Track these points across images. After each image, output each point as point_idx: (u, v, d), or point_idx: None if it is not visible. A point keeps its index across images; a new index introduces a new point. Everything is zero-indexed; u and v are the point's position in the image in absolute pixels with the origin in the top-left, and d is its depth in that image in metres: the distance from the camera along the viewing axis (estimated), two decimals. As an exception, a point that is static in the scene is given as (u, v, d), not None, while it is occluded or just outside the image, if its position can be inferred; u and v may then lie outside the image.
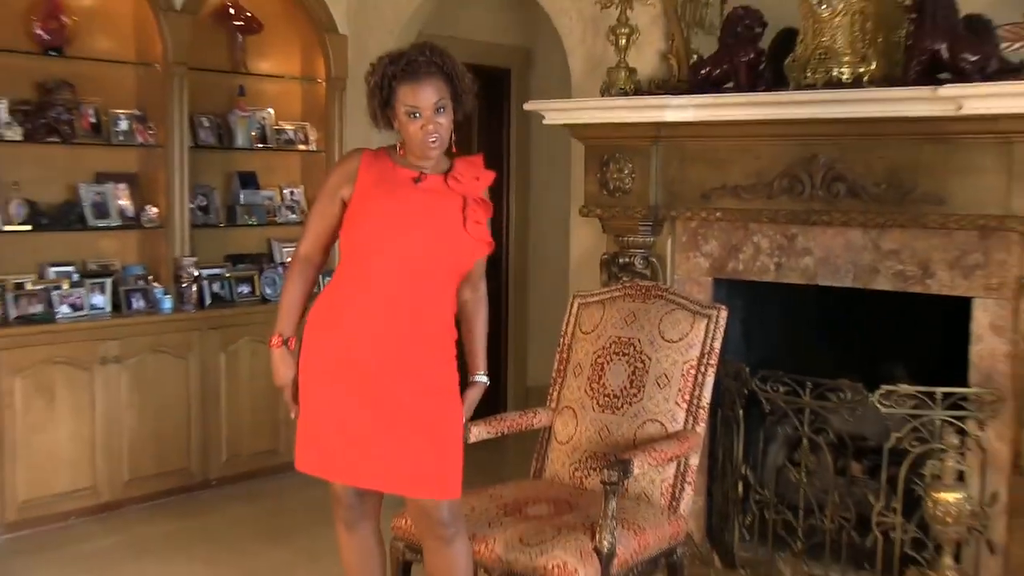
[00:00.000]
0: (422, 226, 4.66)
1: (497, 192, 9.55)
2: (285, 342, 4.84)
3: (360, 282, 4.72)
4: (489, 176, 4.89)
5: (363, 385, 4.67)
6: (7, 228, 7.56)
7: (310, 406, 4.83)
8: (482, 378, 4.91)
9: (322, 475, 4.85)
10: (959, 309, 6.22)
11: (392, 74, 4.60)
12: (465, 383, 4.98)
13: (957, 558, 5.92)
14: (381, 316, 4.66)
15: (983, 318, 6.10)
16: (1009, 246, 5.95)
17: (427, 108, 4.57)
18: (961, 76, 5.84)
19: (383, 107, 4.66)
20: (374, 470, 4.72)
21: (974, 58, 5.84)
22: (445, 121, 4.63)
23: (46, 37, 7.72)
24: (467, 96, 4.76)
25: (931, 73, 5.96)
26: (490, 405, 4.97)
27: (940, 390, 6.04)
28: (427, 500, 4.77)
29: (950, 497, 5.77)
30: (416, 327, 4.66)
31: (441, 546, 4.85)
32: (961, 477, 5.91)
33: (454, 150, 4.82)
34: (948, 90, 5.73)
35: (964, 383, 6.14)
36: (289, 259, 9.13)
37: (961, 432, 5.99)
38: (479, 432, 5.56)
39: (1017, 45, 6.10)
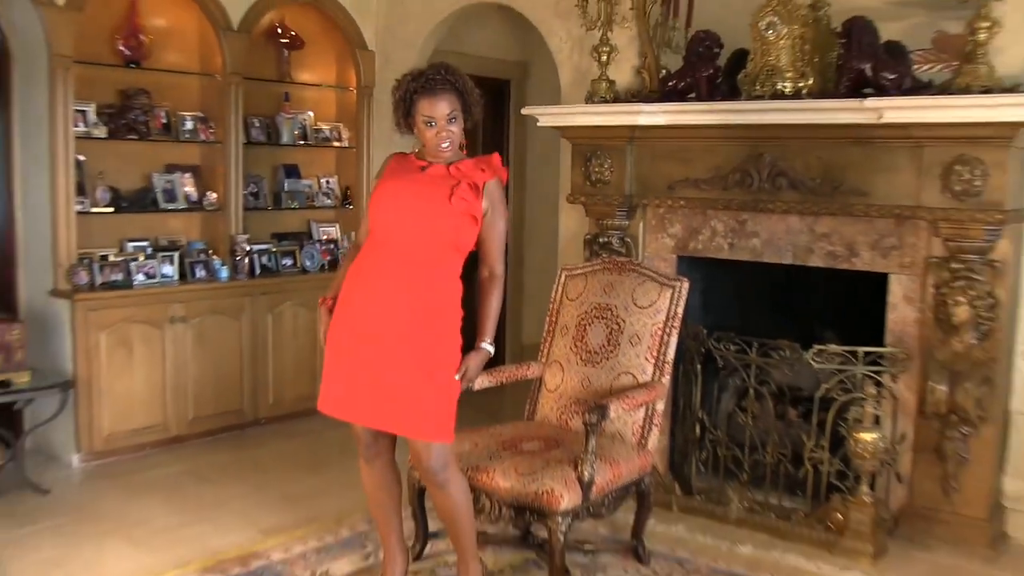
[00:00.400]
0: (415, 201, 4.72)
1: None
2: (326, 304, 4.92)
3: (372, 253, 4.79)
4: (494, 166, 4.88)
5: (368, 338, 4.71)
6: (94, 210, 7.55)
7: (330, 356, 4.88)
8: (485, 345, 4.86)
9: (335, 415, 4.89)
10: (878, 283, 6.29)
11: (413, 89, 4.69)
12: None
13: (872, 486, 6.04)
14: (384, 280, 4.71)
15: (897, 291, 6.19)
16: (919, 231, 6.04)
17: (441, 118, 4.66)
18: (882, 91, 5.91)
19: (405, 116, 4.75)
20: (373, 411, 4.75)
21: (892, 76, 5.92)
22: (456, 128, 4.72)
23: (127, 52, 7.71)
24: (475, 107, 4.82)
25: (857, 88, 6.02)
26: (491, 359, 4.99)
27: (861, 349, 6.13)
28: (416, 442, 4.79)
29: (868, 437, 5.90)
30: (414, 291, 4.68)
31: (436, 491, 4.89)
32: (877, 421, 6.01)
33: (464, 152, 4.87)
34: (871, 102, 5.82)
35: (881, 344, 6.24)
36: (324, 237, 9.27)
37: (878, 384, 6.09)
38: (482, 381, 5.54)
39: (926, 67, 6.16)
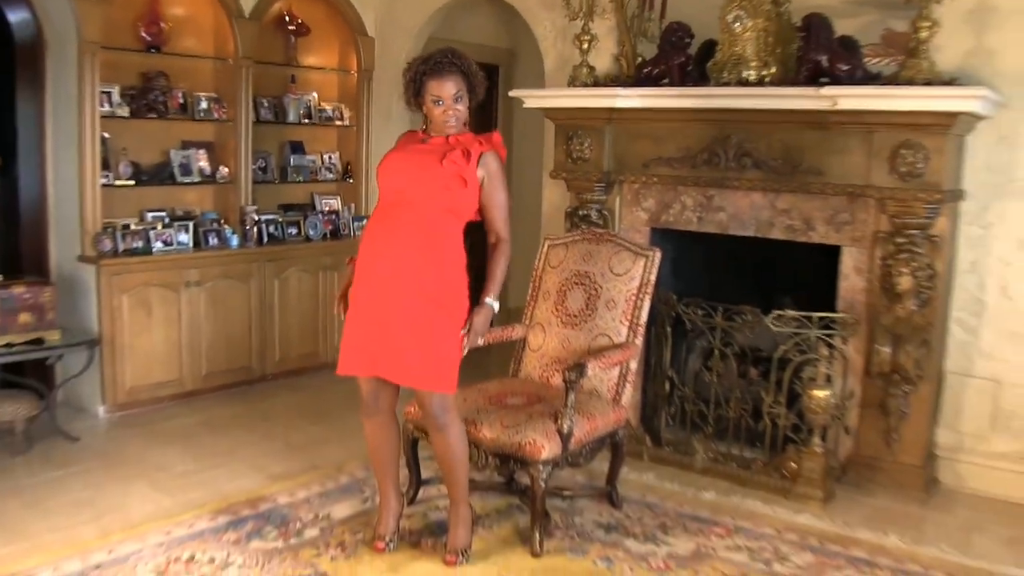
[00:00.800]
0: (412, 167, 4.88)
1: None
2: (352, 262, 5.05)
3: (380, 217, 4.94)
4: (493, 141, 5.02)
5: (380, 298, 4.85)
6: (117, 183, 7.68)
7: (349, 317, 5.01)
8: (489, 300, 4.99)
9: (350, 372, 5.00)
10: (831, 255, 6.43)
11: (423, 71, 4.85)
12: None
13: (823, 438, 6.20)
14: (391, 242, 4.83)
15: (849, 262, 6.35)
16: (868, 208, 6.21)
17: (448, 97, 4.83)
18: (837, 81, 6.06)
19: (415, 96, 4.90)
20: (383, 363, 4.88)
21: (846, 68, 6.07)
22: (461, 107, 4.90)
23: (148, 38, 7.83)
24: (479, 88, 4.97)
25: (815, 77, 6.16)
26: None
27: (816, 315, 6.30)
28: (421, 391, 4.94)
29: (820, 394, 6.06)
30: (417, 251, 4.80)
31: (435, 433, 5.03)
32: (829, 379, 6.16)
33: (466, 128, 4.99)
34: (827, 91, 5.96)
35: (833, 310, 6.39)
36: (327, 208, 9.39)
37: (830, 346, 6.25)
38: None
39: (876, 60, 6.31)
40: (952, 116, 5.73)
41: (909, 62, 5.83)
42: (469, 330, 4.94)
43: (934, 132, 5.84)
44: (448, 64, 4.86)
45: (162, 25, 7.91)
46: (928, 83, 5.76)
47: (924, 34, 5.77)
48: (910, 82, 5.78)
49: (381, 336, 4.87)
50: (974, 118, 6.01)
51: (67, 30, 7.38)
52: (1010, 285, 6.29)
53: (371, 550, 5.24)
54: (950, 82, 5.84)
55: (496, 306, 5.05)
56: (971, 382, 6.43)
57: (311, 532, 5.47)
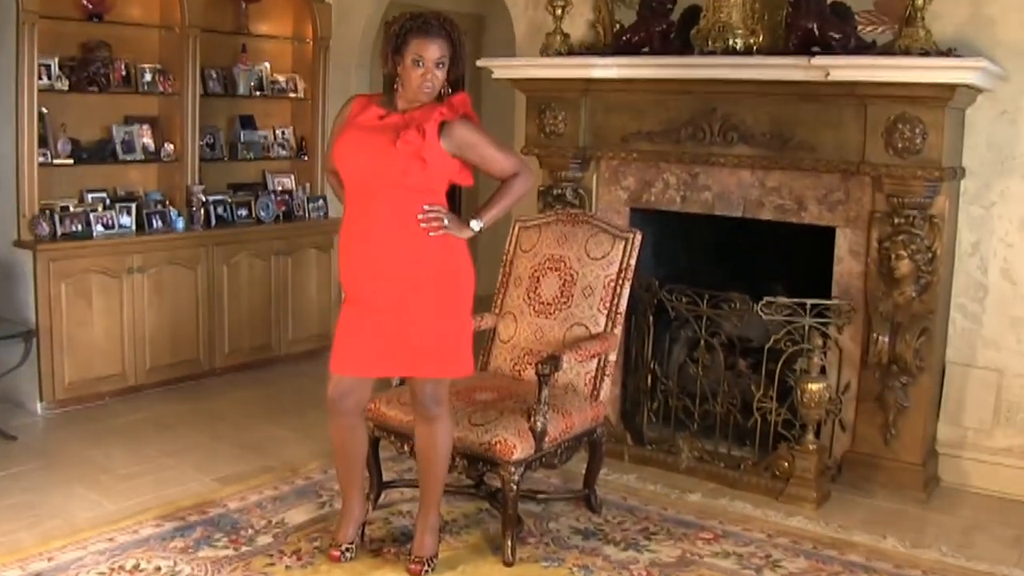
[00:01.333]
0: (366, 152, 4.80)
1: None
2: None
3: (350, 207, 4.92)
4: (455, 106, 4.91)
5: (364, 292, 4.88)
6: (56, 161, 7.62)
7: (341, 318, 5.06)
8: (473, 223, 4.96)
9: (343, 372, 5.03)
10: (825, 236, 6.45)
11: (409, 28, 4.75)
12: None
13: (817, 435, 6.25)
14: (365, 236, 4.82)
15: (844, 244, 6.37)
16: (864, 186, 6.22)
17: (430, 60, 4.72)
18: (829, 50, 6.08)
19: (395, 52, 4.79)
20: (384, 361, 4.94)
21: (838, 36, 6.09)
22: (440, 75, 4.78)
23: (90, 6, 7.76)
24: (462, 62, 4.91)
25: (805, 46, 6.17)
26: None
27: (809, 301, 6.30)
28: (415, 380, 4.95)
29: (814, 387, 6.08)
30: (394, 240, 4.79)
31: (424, 425, 5.04)
32: (823, 371, 6.19)
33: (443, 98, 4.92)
34: (819, 60, 5.97)
35: (828, 296, 6.41)
36: (279, 188, 9.36)
37: (824, 335, 6.27)
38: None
39: (870, 28, 6.34)
40: (950, 88, 5.74)
41: (905, 31, 5.84)
42: (434, 214, 4.86)
43: (932, 105, 5.85)
44: (438, 26, 4.79)
45: (104, -8, 7.86)
46: (925, 53, 5.77)
47: (920, 1, 5.77)
48: (906, 52, 5.80)
49: (375, 334, 4.89)
50: (974, 91, 6.03)
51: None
52: (1013, 268, 6.34)
53: (327, 559, 5.24)
54: (948, 52, 5.86)
55: (476, 228, 5.00)
56: (974, 373, 6.47)
57: (264, 539, 5.46)
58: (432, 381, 4.96)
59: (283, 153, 9.47)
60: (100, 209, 7.87)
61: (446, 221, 4.85)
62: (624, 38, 7.04)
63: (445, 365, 4.98)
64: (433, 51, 4.74)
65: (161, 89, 8.30)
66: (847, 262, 6.39)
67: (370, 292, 4.87)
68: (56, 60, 7.63)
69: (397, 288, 4.83)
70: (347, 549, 5.24)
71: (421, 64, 4.74)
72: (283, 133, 9.50)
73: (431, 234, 4.84)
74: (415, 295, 4.84)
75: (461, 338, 5.01)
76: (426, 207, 4.82)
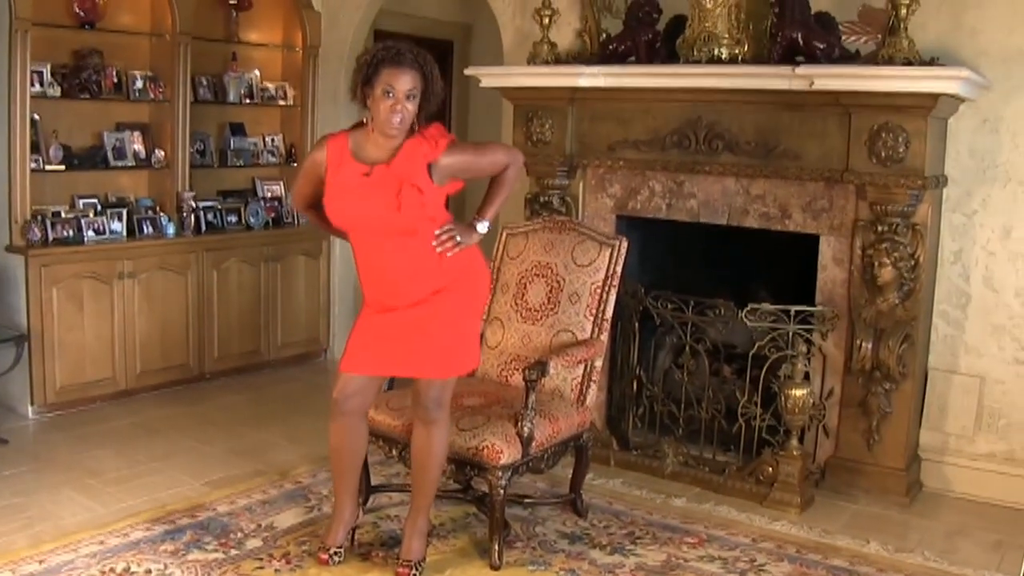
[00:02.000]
0: (369, 208, 4.74)
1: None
2: None
3: (355, 242, 4.90)
4: (437, 142, 4.82)
5: (387, 314, 4.88)
6: (48, 168, 7.62)
7: (359, 321, 5.04)
8: (479, 226, 4.97)
9: (353, 370, 5.00)
10: (809, 244, 6.46)
11: (381, 57, 4.66)
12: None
13: (801, 440, 6.26)
14: (379, 271, 4.84)
15: (827, 252, 6.38)
16: (847, 195, 6.24)
17: (400, 91, 4.60)
18: (813, 60, 6.09)
19: (364, 83, 4.69)
20: (397, 360, 4.92)
21: (823, 46, 6.10)
22: (412, 107, 4.67)
23: (82, 14, 7.75)
24: (435, 97, 4.78)
25: (790, 56, 6.18)
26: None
27: (793, 308, 6.30)
28: (420, 381, 4.94)
29: (798, 393, 6.08)
30: (408, 274, 4.80)
31: (423, 427, 5.01)
32: (807, 377, 6.22)
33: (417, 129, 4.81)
34: (803, 70, 6.00)
35: (812, 303, 6.42)
36: (269, 194, 9.38)
37: (808, 342, 6.28)
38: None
39: (854, 38, 6.35)
40: (933, 98, 5.77)
41: (888, 40, 5.86)
42: (447, 231, 4.86)
43: (915, 114, 5.88)
44: (411, 59, 4.70)
45: (96, 0, 7.84)
46: (908, 63, 5.79)
47: (904, 11, 5.79)
48: (890, 61, 5.82)
49: (392, 335, 4.91)
50: (956, 100, 6.05)
51: (-3, 6, 7.35)
52: (995, 276, 6.36)
53: (316, 562, 5.23)
54: (931, 62, 5.89)
55: (484, 230, 5.01)
56: (956, 379, 6.49)
57: (253, 542, 5.45)
58: (439, 383, 4.96)
59: (272, 160, 9.45)
60: (91, 215, 7.87)
61: (458, 238, 4.86)
62: (610, 47, 7.04)
63: (454, 364, 5.01)
64: (404, 82, 4.64)
65: (152, 96, 8.29)
66: (831, 269, 6.40)
67: (395, 306, 4.90)
68: (48, 67, 7.64)
69: (423, 299, 4.86)
70: (335, 552, 5.22)
71: (391, 95, 4.64)
72: (272, 140, 9.49)
73: (448, 255, 4.86)
74: (439, 299, 4.88)
75: (474, 336, 5.15)
76: (436, 232, 4.83)
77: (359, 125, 4.92)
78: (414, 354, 4.90)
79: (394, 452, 5.52)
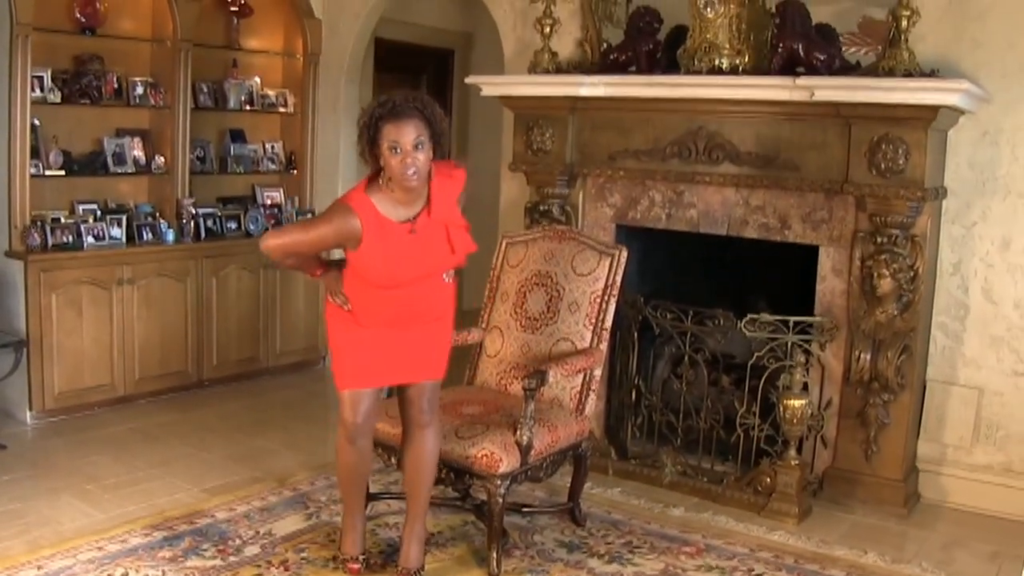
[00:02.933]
0: (419, 262, 4.76)
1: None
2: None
3: (372, 294, 4.82)
4: (459, 180, 4.91)
5: (394, 334, 4.89)
6: (48, 173, 7.62)
7: (349, 352, 4.97)
8: None
9: (362, 385, 4.95)
10: (808, 255, 6.47)
11: (379, 115, 4.59)
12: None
13: (799, 450, 6.25)
14: (400, 307, 4.84)
15: (827, 262, 6.39)
16: (847, 206, 6.25)
17: (407, 144, 4.53)
18: (813, 71, 6.10)
19: (371, 145, 4.63)
20: (395, 368, 4.94)
21: (823, 57, 6.11)
22: (423, 157, 4.58)
23: (83, 20, 7.76)
24: (444, 138, 4.75)
25: (790, 67, 6.19)
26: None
27: (792, 319, 6.32)
28: (414, 386, 4.98)
29: (796, 403, 6.08)
30: (421, 308, 4.89)
31: (419, 431, 5.02)
32: (805, 387, 6.22)
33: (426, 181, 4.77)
34: (804, 81, 6.01)
35: (811, 313, 6.43)
36: (268, 201, 9.38)
37: (807, 352, 6.29)
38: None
39: (854, 49, 6.37)
40: (933, 110, 5.78)
41: (889, 52, 5.88)
42: None
43: (915, 126, 5.89)
44: (408, 108, 4.62)
45: (98, 5, 7.86)
46: (908, 75, 5.81)
47: (904, 23, 5.81)
48: (890, 73, 5.84)
49: (393, 348, 4.92)
50: (956, 112, 6.07)
51: (-1, 11, 7.36)
52: (993, 288, 6.37)
53: (323, 570, 5.23)
54: (931, 74, 5.90)
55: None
56: (954, 390, 6.50)
57: (252, 549, 5.46)
58: (432, 384, 5.02)
59: (272, 167, 9.46)
60: (91, 221, 7.87)
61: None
62: (611, 57, 7.06)
63: (442, 366, 5.07)
64: (408, 133, 4.57)
65: (152, 102, 8.31)
66: (830, 280, 6.41)
67: (397, 337, 4.94)
68: (49, 72, 7.65)
69: (424, 332, 4.98)
70: (364, 558, 5.26)
71: (398, 150, 4.58)
72: (272, 147, 9.50)
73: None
74: (433, 326, 5.02)
75: (449, 341, 5.20)
76: None
77: (369, 181, 4.83)
78: (421, 362, 4.97)
79: (393, 460, 5.53)
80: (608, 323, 5.88)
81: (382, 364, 4.95)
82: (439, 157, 4.76)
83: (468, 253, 4.91)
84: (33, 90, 7.45)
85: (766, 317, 6.38)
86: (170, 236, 8.32)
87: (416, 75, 10.97)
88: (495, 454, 5.10)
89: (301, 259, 4.96)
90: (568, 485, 6.03)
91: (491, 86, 7.51)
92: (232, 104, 9.04)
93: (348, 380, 4.98)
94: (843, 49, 6.34)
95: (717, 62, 6.48)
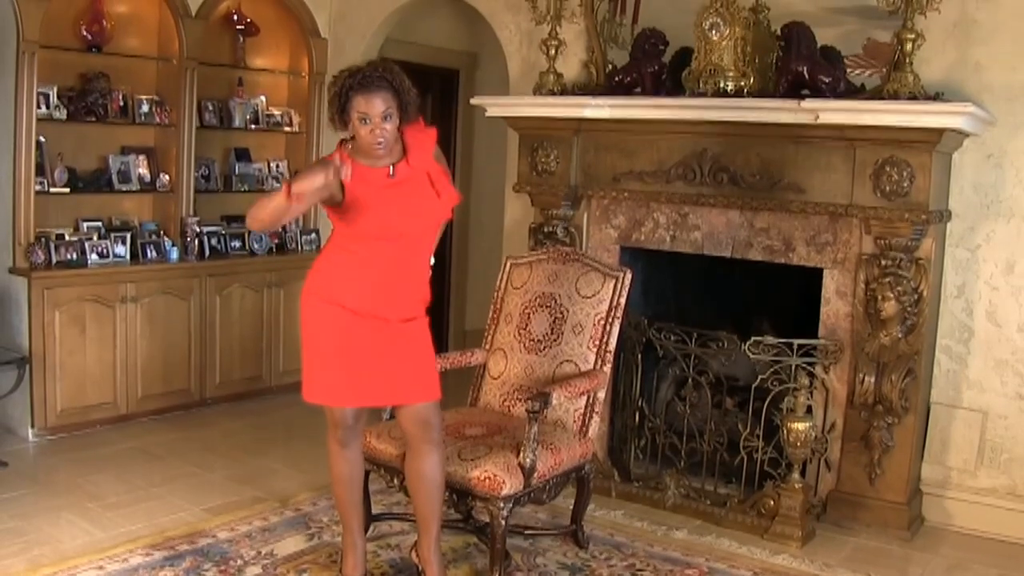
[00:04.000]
0: (408, 210, 4.78)
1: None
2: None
3: (363, 259, 4.83)
4: (431, 136, 4.99)
5: (373, 328, 4.81)
6: (52, 190, 7.63)
7: (319, 355, 4.92)
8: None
9: (330, 403, 4.96)
10: (813, 277, 6.47)
11: (349, 86, 4.66)
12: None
13: (803, 473, 6.25)
14: (382, 284, 4.81)
15: (831, 285, 6.38)
16: (852, 228, 6.25)
17: (376, 115, 4.64)
18: (818, 93, 6.09)
19: (340, 112, 4.72)
20: (382, 391, 4.90)
21: (828, 79, 6.10)
22: (391, 127, 4.70)
23: (89, 37, 7.79)
24: (411, 107, 4.81)
25: (795, 89, 6.19)
26: (434, 345, 5.15)
27: (796, 341, 6.31)
28: (418, 406, 4.91)
29: (800, 426, 6.08)
30: (405, 285, 4.86)
31: (430, 451, 4.95)
32: (809, 410, 6.20)
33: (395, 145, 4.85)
34: (809, 103, 5.99)
35: (815, 336, 6.41)
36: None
37: (811, 375, 6.29)
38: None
39: (858, 71, 6.38)
40: (938, 132, 5.78)
41: (894, 75, 5.89)
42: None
43: (919, 149, 5.89)
44: (377, 79, 4.69)
45: (104, 23, 7.89)
46: (913, 97, 5.82)
47: (909, 46, 5.83)
48: (895, 96, 5.84)
49: (374, 365, 4.85)
50: (961, 135, 6.08)
51: (5, 27, 7.36)
52: (998, 311, 6.37)
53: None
54: (936, 97, 5.91)
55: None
56: (958, 413, 6.49)
57: (253, 570, 5.44)
58: (434, 405, 4.96)
59: (277, 186, 9.25)
60: (95, 238, 7.88)
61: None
62: (616, 78, 7.06)
63: (429, 384, 4.99)
64: (377, 105, 4.67)
65: (158, 120, 8.32)
66: (834, 303, 6.40)
67: (373, 331, 4.84)
68: (55, 90, 7.66)
69: (402, 325, 4.88)
70: None
71: (368, 121, 4.68)
72: (277, 166, 9.50)
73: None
74: (416, 325, 4.94)
75: (435, 369, 5.11)
76: None
77: (340, 144, 4.95)
78: (410, 381, 4.90)
79: (395, 481, 5.49)
80: (612, 345, 5.86)
81: (364, 383, 4.89)
82: (405, 123, 4.85)
83: (454, 203, 4.96)
84: (39, 107, 7.47)
85: (770, 340, 6.38)
86: (174, 254, 8.32)
87: (421, 95, 10.84)
88: (498, 476, 5.06)
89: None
90: (571, 507, 6.01)
91: (496, 107, 7.49)
92: (237, 123, 9.05)
93: (315, 392, 4.97)
94: (848, 71, 6.34)
95: (722, 84, 6.48)
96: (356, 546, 5.24)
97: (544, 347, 5.96)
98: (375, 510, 5.89)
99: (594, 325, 5.87)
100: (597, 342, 5.85)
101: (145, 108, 8.25)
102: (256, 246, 8.96)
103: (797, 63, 6.20)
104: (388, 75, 4.73)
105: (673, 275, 7.37)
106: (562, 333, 5.92)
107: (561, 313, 5.96)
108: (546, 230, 7.30)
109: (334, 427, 5.08)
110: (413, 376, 4.90)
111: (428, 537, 5.10)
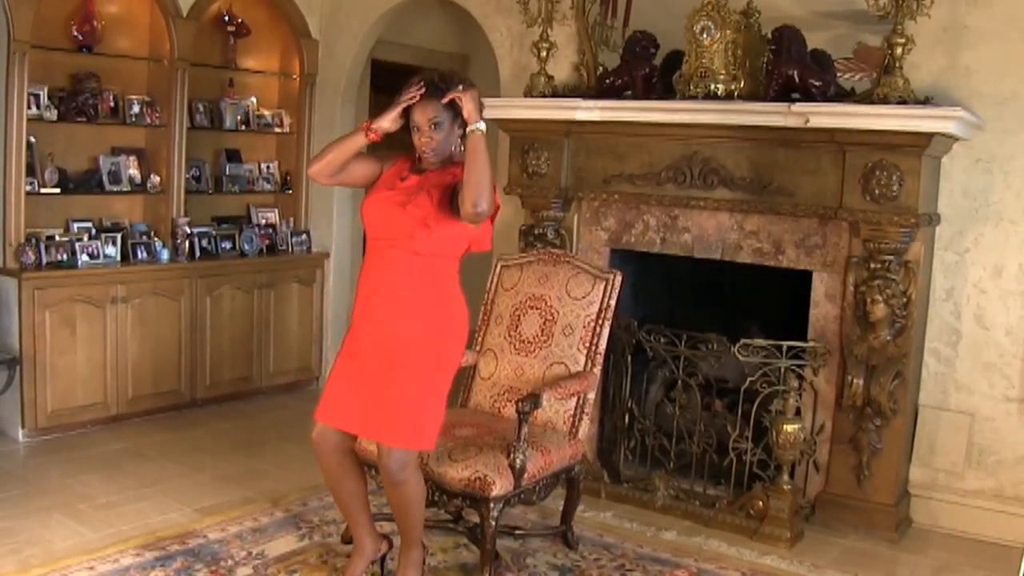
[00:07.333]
0: (381, 209, 4.80)
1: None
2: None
3: (369, 247, 4.92)
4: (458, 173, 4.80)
5: (366, 345, 4.84)
6: (43, 191, 7.63)
7: (338, 363, 4.99)
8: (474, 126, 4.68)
9: (326, 420, 4.96)
10: (802, 280, 6.51)
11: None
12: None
13: (792, 475, 6.29)
14: (380, 286, 4.82)
15: (820, 288, 6.42)
16: (841, 231, 6.29)
17: (424, 124, 4.74)
18: (808, 97, 6.13)
19: (407, 119, 4.81)
20: (356, 418, 4.86)
21: (818, 83, 6.13)
22: (439, 136, 4.76)
23: (80, 38, 7.79)
24: (473, 115, 4.68)
25: (785, 92, 6.23)
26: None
27: (785, 344, 6.33)
28: (381, 446, 4.84)
29: (789, 428, 6.13)
30: (403, 293, 4.78)
31: (389, 488, 4.90)
32: (798, 412, 6.23)
33: (456, 159, 4.85)
34: (799, 107, 6.04)
35: (804, 338, 6.45)
36: (263, 221, 9.41)
37: (800, 377, 6.31)
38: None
39: (848, 75, 6.41)
40: (927, 137, 5.82)
41: (884, 79, 5.92)
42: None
43: (909, 153, 5.93)
44: (431, 87, 4.74)
45: (95, 24, 7.88)
46: (903, 102, 5.85)
47: (899, 51, 5.86)
48: (884, 100, 5.87)
49: (359, 390, 4.85)
50: (950, 139, 6.12)
51: (-4, 27, 7.38)
52: (986, 314, 6.41)
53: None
54: (925, 101, 5.94)
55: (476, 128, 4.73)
56: (946, 416, 6.53)
57: (244, 570, 5.45)
58: (397, 451, 4.81)
59: (268, 187, 9.49)
60: (86, 239, 7.88)
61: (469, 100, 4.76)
62: (607, 81, 7.07)
63: (419, 436, 4.87)
64: (426, 113, 4.74)
65: (148, 121, 8.32)
66: (823, 305, 6.44)
67: (368, 338, 4.86)
68: (45, 90, 7.67)
69: (392, 343, 4.80)
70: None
71: (418, 129, 4.78)
72: (268, 167, 9.53)
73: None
74: (406, 358, 4.80)
75: (435, 412, 4.92)
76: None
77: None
78: (378, 417, 4.80)
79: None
80: (602, 347, 5.88)
81: (348, 406, 4.90)
82: (462, 132, 4.82)
83: (422, 220, 4.73)
84: (29, 107, 7.47)
85: (759, 342, 6.41)
86: (164, 255, 8.32)
87: (412, 96, 10.91)
88: (488, 477, 5.08)
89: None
90: (561, 508, 6.03)
91: (487, 109, 7.32)
92: (228, 124, 9.07)
93: (319, 409, 5.02)
94: (838, 75, 6.37)
95: (713, 88, 6.51)
96: (363, 553, 5.22)
97: (534, 349, 5.98)
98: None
99: (584, 327, 5.89)
100: (587, 344, 5.86)
101: (136, 109, 8.25)
102: (247, 247, 8.97)
103: (788, 67, 6.24)
104: (442, 84, 4.77)
105: (663, 277, 7.39)
106: (552, 335, 5.94)
107: (551, 315, 5.98)
108: (536, 232, 7.32)
109: (312, 441, 5.07)
110: (388, 414, 4.80)
111: (404, 544, 5.11)
